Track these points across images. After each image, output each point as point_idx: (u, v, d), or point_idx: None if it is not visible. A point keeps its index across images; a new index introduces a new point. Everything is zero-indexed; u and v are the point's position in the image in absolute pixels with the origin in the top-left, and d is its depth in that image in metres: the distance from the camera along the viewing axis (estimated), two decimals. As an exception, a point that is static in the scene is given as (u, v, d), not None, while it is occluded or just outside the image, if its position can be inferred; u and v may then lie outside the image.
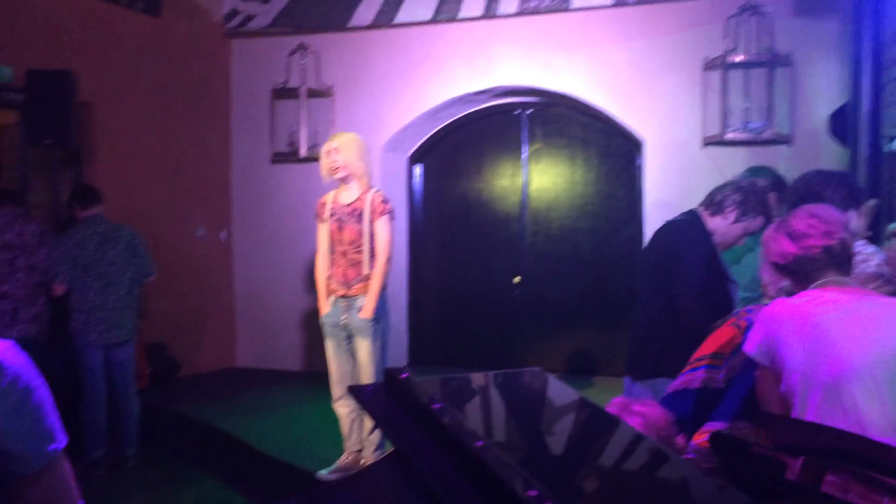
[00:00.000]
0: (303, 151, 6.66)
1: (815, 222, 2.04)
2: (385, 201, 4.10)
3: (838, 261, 2.02)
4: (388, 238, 4.09)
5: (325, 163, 4.14)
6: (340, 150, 4.08)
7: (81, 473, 4.72)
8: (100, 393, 4.81)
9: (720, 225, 3.13)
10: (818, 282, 2.03)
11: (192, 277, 6.75)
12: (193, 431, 5.26)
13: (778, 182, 3.86)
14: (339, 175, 4.10)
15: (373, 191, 4.13)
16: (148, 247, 5.10)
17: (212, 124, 6.98)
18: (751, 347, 2.02)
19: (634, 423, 1.98)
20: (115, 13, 6.08)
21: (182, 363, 6.48)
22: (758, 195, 3.13)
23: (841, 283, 2.01)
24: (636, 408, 2.04)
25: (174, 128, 6.58)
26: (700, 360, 2.44)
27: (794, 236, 2.06)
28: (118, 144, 6.09)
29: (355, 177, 4.12)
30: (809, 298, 1.98)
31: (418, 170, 7.12)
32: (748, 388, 2.28)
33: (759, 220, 3.15)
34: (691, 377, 2.43)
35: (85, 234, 4.77)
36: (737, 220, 3.12)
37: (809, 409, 1.86)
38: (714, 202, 3.15)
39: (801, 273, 2.06)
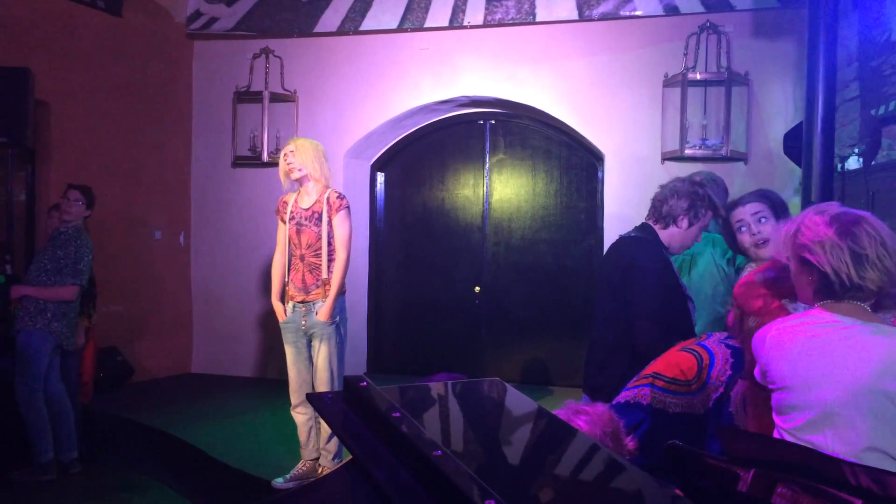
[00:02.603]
0: (265, 156, 6.61)
1: (885, 254, 1.83)
2: (341, 197, 4.12)
3: (870, 297, 1.89)
4: (347, 233, 4.10)
5: (282, 166, 4.16)
6: (296, 152, 4.10)
7: (31, 479, 4.57)
8: (42, 397, 4.71)
9: (676, 233, 3.12)
10: (828, 300, 1.91)
11: (147, 281, 6.64)
12: (146, 438, 5.17)
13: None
14: (295, 176, 4.11)
15: (329, 190, 4.14)
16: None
17: (172, 126, 6.89)
18: (757, 372, 2.01)
19: (581, 421, 1.99)
20: (75, 11, 5.98)
21: (135, 368, 6.37)
22: (699, 194, 3.12)
23: (851, 306, 1.89)
24: (582, 408, 2.06)
25: (133, 129, 6.49)
26: (650, 377, 2.48)
27: (858, 259, 1.84)
28: (75, 144, 5.98)
29: (312, 179, 4.13)
30: (802, 322, 1.92)
31: (381, 177, 7.11)
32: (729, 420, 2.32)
33: (710, 214, 3.16)
34: (640, 392, 2.46)
35: (88, 240, 4.81)
36: (690, 225, 3.13)
37: (794, 429, 1.88)
38: (664, 216, 3.12)
39: (837, 290, 1.89)
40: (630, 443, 2.10)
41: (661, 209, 3.13)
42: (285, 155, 4.14)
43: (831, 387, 1.85)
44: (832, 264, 1.87)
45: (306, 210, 4.12)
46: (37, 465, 4.64)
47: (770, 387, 1.96)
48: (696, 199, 3.09)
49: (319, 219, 4.08)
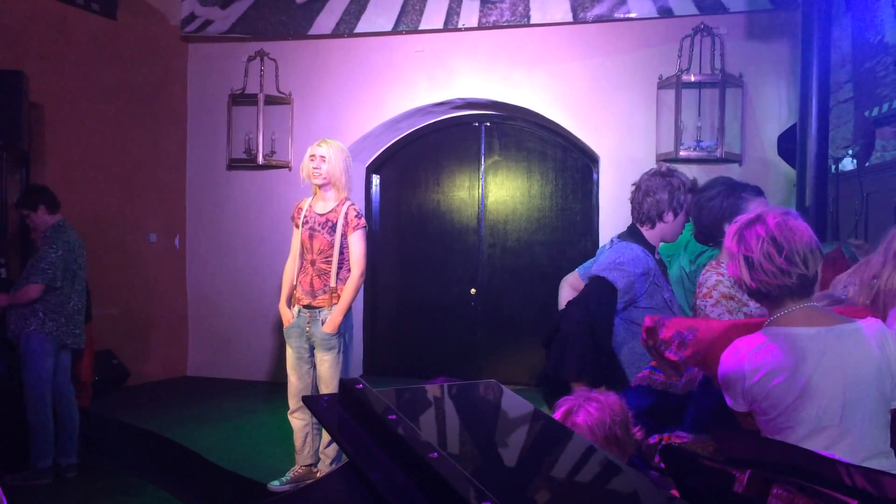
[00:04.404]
0: (260, 158, 6.60)
1: (773, 252, 1.86)
2: (359, 216, 4.07)
3: (799, 291, 1.90)
4: (362, 253, 4.05)
5: (307, 165, 4.08)
6: (327, 160, 4.03)
7: (25, 483, 4.55)
8: (49, 401, 4.70)
9: (666, 228, 3.10)
10: (777, 313, 1.92)
11: (142, 284, 6.63)
12: (142, 441, 5.15)
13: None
14: (318, 182, 4.07)
15: (347, 204, 4.09)
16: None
17: (167, 129, 6.88)
18: (731, 403, 1.97)
19: (592, 407, 2.03)
20: (69, 14, 5.97)
21: (131, 371, 6.35)
22: (674, 184, 3.08)
23: (803, 312, 1.90)
24: (594, 395, 2.10)
25: (128, 132, 6.47)
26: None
27: (751, 266, 1.89)
28: (69, 147, 5.97)
29: (334, 188, 4.09)
30: (770, 343, 1.89)
31: (376, 180, 7.11)
32: (713, 402, 2.33)
33: (689, 197, 3.12)
34: (654, 377, 2.50)
35: (70, 238, 4.74)
36: (676, 215, 3.11)
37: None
38: (649, 216, 3.08)
39: (758, 297, 1.95)
40: (638, 432, 2.13)
41: (642, 210, 3.09)
42: (312, 157, 4.06)
43: (820, 401, 1.84)
44: (734, 273, 1.94)
45: (321, 216, 4.08)
46: (33, 469, 4.63)
47: (758, 412, 1.93)
48: (672, 190, 3.06)
49: (333, 228, 4.04)
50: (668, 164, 3.21)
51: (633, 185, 3.18)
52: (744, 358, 1.91)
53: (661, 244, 3.22)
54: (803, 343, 1.86)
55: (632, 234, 3.12)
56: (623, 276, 2.91)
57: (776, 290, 1.89)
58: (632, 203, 3.15)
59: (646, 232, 3.10)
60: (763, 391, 1.88)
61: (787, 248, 1.86)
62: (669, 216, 3.08)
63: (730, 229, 1.99)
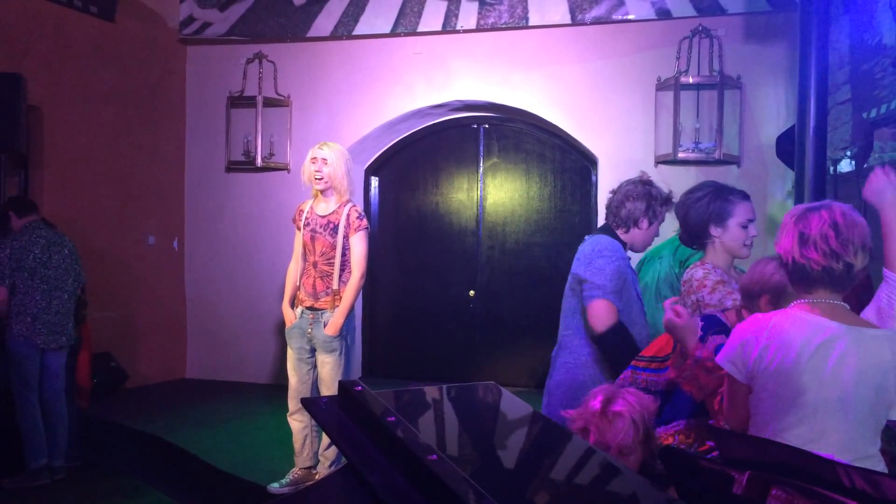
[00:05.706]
0: (258, 161, 6.60)
1: (831, 234, 1.90)
2: (360, 217, 4.07)
3: (837, 282, 1.93)
4: (363, 254, 4.05)
5: (308, 169, 4.08)
6: (328, 163, 4.03)
7: (23, 485, 4.55)
8: (36, 401, 4.69)
9: (638, 234, 3.20)
10: (806, 298, 1.96)
11: (141, 286, 6.62)
12: (141, 443, 5.15)
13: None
14: (319, 186, 4.07)
15: (349, 205, 4.09)
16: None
17: (165, 131, 6.87)
18: (722, 360, 2.02)
19: (630, 399, 2.09)
20: (67, 16, 5.96)
21: (129, 374, 6.34)
22: (653, 194, 3.17)
23: (829, 307, 1.93)
24: (631, 389, 2.17)
25: (126, 134, 6.47)
26: (640, 359, 2.57)
27: (803, 240, 1.93)
28: (68, 150, 5.96)
29: (335, 191, 4.09)
30: (790, 320, 1.93)
31: (375, 182, 7.11)
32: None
33: (663, 209, 3.22)
34: (624, 375, 2.56)
35: (29, 237, 4.67)
36: (650, 224, 3.19)
37: (777, 430, 1.89)
38: (623, 220, 3.18)
39: (796, 276, 1.98)
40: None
41: (619, 214, 3.20)
42: (314, 160, 4.06)
43: (821, 393, 1.85)
44: (783, 247, 1.97)
45: (322, 217, 4.08)
46: (28, 472, 4.62)
47: (753, 377, 1.95)
48: (650, 199, 3.17)
49: (335, 230, 4.04)
50: (648, 175, 3.31)
51: (610, 192, 3.29)
52: (769, 321, 1.96)
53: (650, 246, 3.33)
54: (819, 333, 1.88)
55: (605, 231, 3.24)
56: (610, 261, 3.04)
57: (819, 272, 1.92)
58: (608, 207, 3.28)
59: (621, 235, 3.21)
60: (764, 364, 1.91)
61: (845, 235, 1.91)
62: (644, 223, 3.18)
63: (793, 210, 2.05)
